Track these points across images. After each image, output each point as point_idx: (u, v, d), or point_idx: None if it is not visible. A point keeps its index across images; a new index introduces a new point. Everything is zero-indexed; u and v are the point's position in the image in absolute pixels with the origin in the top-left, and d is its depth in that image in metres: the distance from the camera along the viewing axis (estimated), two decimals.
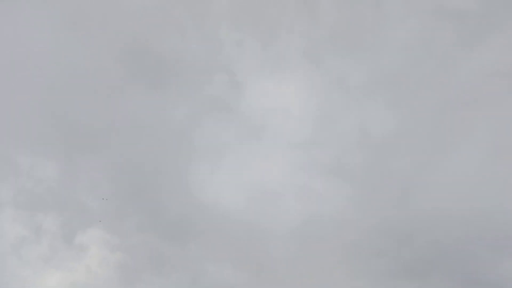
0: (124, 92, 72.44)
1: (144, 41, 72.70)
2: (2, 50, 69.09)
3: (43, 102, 69.88)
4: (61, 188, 67.36)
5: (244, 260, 65.50)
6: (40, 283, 61.92)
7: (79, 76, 71.67)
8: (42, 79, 70.35)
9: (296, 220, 67.90)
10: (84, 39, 71.57)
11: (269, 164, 71.70)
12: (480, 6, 68.21)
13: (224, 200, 69.30)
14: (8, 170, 66.71)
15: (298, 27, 73.19)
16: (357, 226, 66.00)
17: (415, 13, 70.74)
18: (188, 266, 64.80)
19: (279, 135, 73.06)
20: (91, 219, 66.15)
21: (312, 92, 73.54)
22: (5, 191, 65.69)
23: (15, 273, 61.99)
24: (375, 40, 72.73)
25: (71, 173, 68.40)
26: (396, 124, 70.22)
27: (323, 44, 72.94)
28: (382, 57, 72.36)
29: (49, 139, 68.66)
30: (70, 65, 71.35)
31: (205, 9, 73.13)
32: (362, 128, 71.46)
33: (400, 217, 65.76)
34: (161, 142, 71.80)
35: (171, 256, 65.21)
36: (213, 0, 73.42)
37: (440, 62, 70.80)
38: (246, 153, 72.43)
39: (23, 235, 63.86)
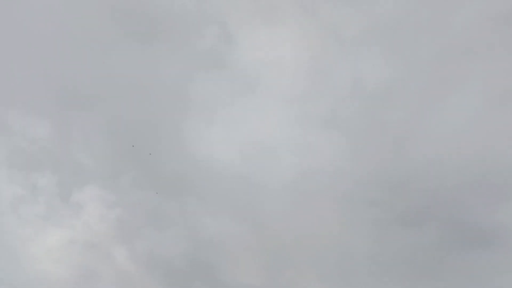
0: (115, 49, 71.33)
1: None
2: None
3: (34, 61, 68.94)
4: (55, 147, 67.45)
5: (241, 213, 66.44)
6: (40, 241, 62.96)
7: (70, 33, 70.48)
8: (32, 38, 69.14)
9: (291, 173, 68.42)
10: None
11: (263, 118, 71.42)
12: None
13: (219, 155, 69.46)
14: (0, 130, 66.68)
15: None
16: (352, 177, 66.59)
17: None
18: (185, 220, 65.74)
19: (273, 88, 72.38)
20: (87, 177, 66.59)
21: (305, 43, 72.30)
22: None
23: (14, 232, 62.94)
24: None
25: (64, 132, 68.33)
26: (391, 74, 69.56)
27: None
28: (376, 7, 70.72)
29: (40, 97, 68.13)
30: (61, 23, 70.09)
31: None
32: (357, 79, 70.76)
33: (393, 167, 66.30)
34: (154, 98, 71.28)
35: (168, 212, 66.03)
36: None
37: (435, 10, 69.44)
38: (240, 107, 72.03)
39: (20, 195, 64.33)
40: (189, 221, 65.64)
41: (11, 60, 68.15)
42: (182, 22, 71.82)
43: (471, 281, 58.28)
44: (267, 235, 65.12)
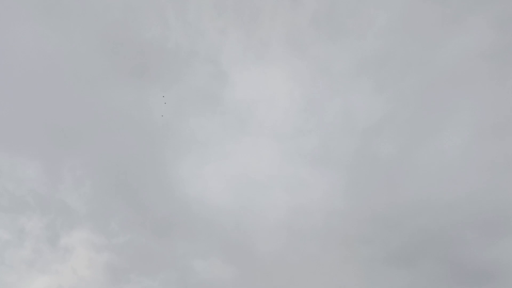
0: (107, 85, 70.80)
1: (125, 31, 70.65)
2: None
3: (22, 99, 67.95)
4: (43, 189, 65.94)
5: (232, 254, 65.29)
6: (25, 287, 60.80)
7: (60, 71, 69.77)
8: (20, 73, 68.23)
9: (284, 211, 67.86)
10: (63, 29, 69.35)
11: (255, 155, 71.21)
12: None
13: (210, 194, 68.76)
14: None
15: (280, 14, 71.81)
16: (345, 215, 66.06)
17: None
18: (176, 263, 64.36)
19: (264, 125, 72.40)
20: (75, 219, 64.92)
21: (296, 80, 72.52)
22: None
23: None
24: (357, 25, 71.43)
25: (53, 172, 66.87)
26: (381, 109, 69.80)
27: (305, 31, 71.66)
28: (365, 42, 71.20)
29: (29, 137, 66.93)
30: (49, 59, 69.29)
31: None
32: (348, 115, 70.93)
33: (387, 204, 65.79)
34: (144, 136, 70.54)
35: (158, 254, 64.67)
36: None
37: (422, 44, 69.97)
38: (232, 144, 71.68)
39: (5, 239, 62.59)
40: (180, 264, 64.27)
41: None
42: (175, 59, 71.62)
43: None
44: (258, 276, 63.85)
